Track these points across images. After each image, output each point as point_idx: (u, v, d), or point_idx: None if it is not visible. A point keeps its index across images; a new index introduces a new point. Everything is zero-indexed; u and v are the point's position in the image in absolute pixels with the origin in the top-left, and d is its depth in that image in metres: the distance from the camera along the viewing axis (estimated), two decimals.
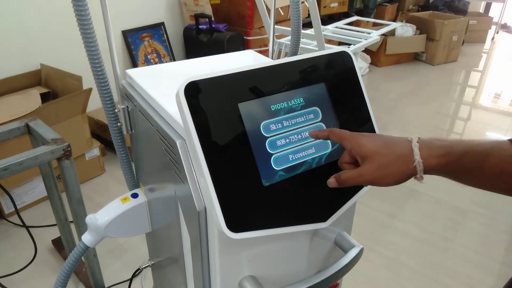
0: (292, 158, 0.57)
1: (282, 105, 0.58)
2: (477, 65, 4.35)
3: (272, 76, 0.58)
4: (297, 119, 0.59)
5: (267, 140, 0.55)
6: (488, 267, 1.71)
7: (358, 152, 0.53)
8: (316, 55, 0.62)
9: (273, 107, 0.57)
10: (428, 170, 0.51)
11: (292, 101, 0.58)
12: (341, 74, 0.63)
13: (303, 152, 0.58)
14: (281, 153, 0.56)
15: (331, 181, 0.56)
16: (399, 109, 3.24)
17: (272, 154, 0.56)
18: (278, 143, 0.56)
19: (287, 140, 0.57)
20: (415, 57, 4.26)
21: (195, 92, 0.51)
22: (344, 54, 0.64)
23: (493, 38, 5.12)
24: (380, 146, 0.52)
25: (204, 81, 0.52)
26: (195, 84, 0.51)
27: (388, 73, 3.95)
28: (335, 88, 0.62)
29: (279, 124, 0.57)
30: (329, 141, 0.61)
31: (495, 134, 2.93)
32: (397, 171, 0.51)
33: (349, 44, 2.43)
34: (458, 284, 1.62)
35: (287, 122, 0.58)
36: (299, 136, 0.58)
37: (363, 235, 1.85)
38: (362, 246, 0.68)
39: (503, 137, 2.83)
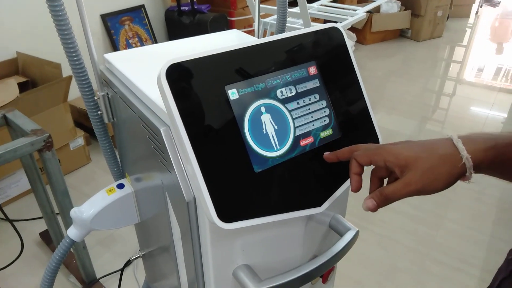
0: (284, 141, 0.54)
1: (272, 86, 0.54)
2: (462, 40, 4.35)
3: (261, 55, 0.54)
4: (288, 100, 0.56)
5: (257, 124, 0.52)
6: (478, 241, 1.74)
7: (395, 163, 0.48)
8: (306, 32, 0.59)
9: (262, 89, 0.54)
10: (476, 166, 0.46)
11: (282, 81, 0.55)
12: (332, 51, 0.60)
13: (296, 135, 0.55)
14: (273, 137, 0.54)
15: (369, 204, 0.50)
16: (387, 87, 3.24)
17: (263, 138, 0.53)
18: (269, 126, 0.53)
19: (279, 123, 0.54)
20: (401, 34, 4.24)
21: (178, 75, 0.48)
22: (334, 30, 0.61)
23: (477, 13, 5.12)
24: (419, 151, 0.48)
25: (188, 63, 0.49)
26: (177, 66, 0.48)
27: (374, 51, 3.93)
28: (327, 66, 0.59)
29: (270, 106, 0.54)
30: (328, 120, 0.58)
31: (481, 109, 2.95)
32: (445, 172, 0.46)
33: (335, 22, 2.38)
34: (450, 259, 1.64)
35: (278, 103, 0.55)
36: (291, 118, 0.55)
37: (356, 215, 1.84)
38: (357, 229, 0.66)
39: (488, 111, 2.86)
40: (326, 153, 0.56)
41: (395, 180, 0.49)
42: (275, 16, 1.54)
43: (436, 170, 0.46)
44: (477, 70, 3.63)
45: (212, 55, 0.51)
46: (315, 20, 2.92)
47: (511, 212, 1.92)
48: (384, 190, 0.49)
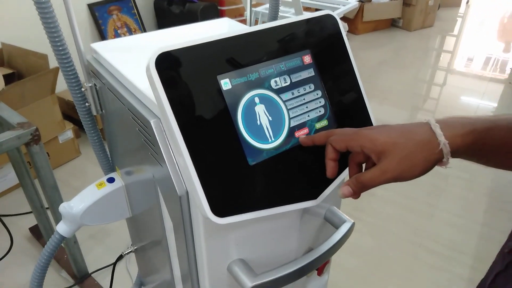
0: (279, 133, 0.53)
1: (266, 75, 0.53)
2: (452, 29, 4.36)
3: (254, 44, 0.53)
4: (283, 90, 0.54)
5: (251, 115, 0.51)
6: (469, 230, 1.75)
7: (371, 149, 0.46)
8: (300, 19, 0.57)
9: (256, 78, 0.52)
10: (454, 152, 0.45)
11: (276, 70, 0.54)
12: (327, 40, 0.59)
13: (291, 126, 0.54)
14: (267, 128, 0.52)
15: (345, 191, 0.49)
16: (378, 77, 3.23)
17: (257, 130, 0.51)
18: (263, 117, 0.52)
19: (273, 114, 0.52)
20: (392, 24, 4.23)
21: (168, 64, 0.46)
22: (329, 18, 0.59)
23: (467, 2, 5.12)
24: (396, 136, 0.46)
25: (178, 52, 0.47)
26: (167, 55, 0.46)
27: (366, 41, 3.91)
28: (322, 54, 0.57)
29: (264, 97, 0.52)
30: (323, 111, 0.56)
31: (472, 98, 2.96)
32: (422, 159, 0.45)
33: None
34: (441, 248, 1.66)
35: (272, 94, 0.53)
36: (285, 109, 0.54)
37: (348, 204, 1.84)
38: (353, 221, 0.66)
39: (479, 101, 2.87)
40: (302, 137, 0.54)
41: (373, 166, 0.48)
42: (267, 5, 1.51)
43: (413, 156, 0.45)
44: (468, 59, 3.64)
45: (203, 43, 0.49)
46: (307, 9, 2.90)
47: (501, 201, 1.94)
48: (361, 177, 0.48)
